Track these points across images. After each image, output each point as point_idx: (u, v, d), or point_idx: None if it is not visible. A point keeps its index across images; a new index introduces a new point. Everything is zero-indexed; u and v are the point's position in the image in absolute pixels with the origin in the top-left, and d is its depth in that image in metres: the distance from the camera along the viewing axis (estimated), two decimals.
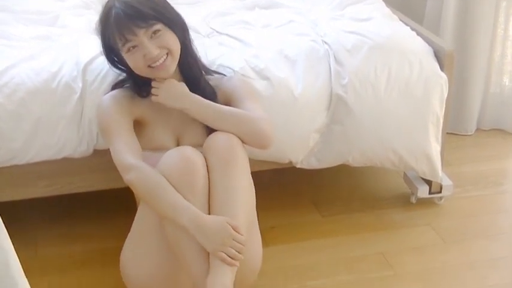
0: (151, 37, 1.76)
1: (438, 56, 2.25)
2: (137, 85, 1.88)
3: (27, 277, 1.28)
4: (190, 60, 1.88)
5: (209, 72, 1.98)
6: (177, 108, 1.83)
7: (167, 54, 1.79)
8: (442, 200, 2.42)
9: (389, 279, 2.04)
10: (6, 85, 1.95)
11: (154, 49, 1.75)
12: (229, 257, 1.61)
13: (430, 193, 2.38)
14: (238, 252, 1.63)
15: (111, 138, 1.80)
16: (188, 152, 1.73)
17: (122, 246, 1.84)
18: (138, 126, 1.87)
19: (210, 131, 1.82)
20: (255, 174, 1.82)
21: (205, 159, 1.74)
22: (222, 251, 1.61)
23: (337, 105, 2.14)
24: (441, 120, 2.26)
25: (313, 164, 2.21)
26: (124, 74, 1.92)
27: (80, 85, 1.98)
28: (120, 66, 1.89)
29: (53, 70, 1.99)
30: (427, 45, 2.27)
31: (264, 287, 1.97)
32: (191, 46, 1.89)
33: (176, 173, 1.69)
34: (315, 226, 2.29)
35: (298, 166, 2.20)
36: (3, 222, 1.26)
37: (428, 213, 2.37)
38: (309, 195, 2.46)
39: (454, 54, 2.26)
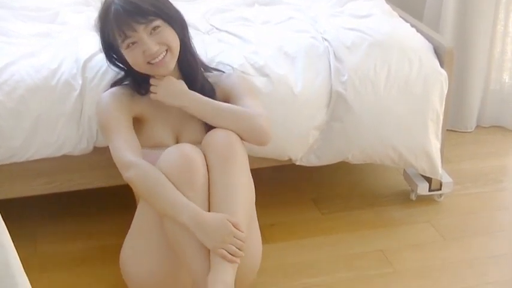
0: (150, 33, 1.76)
1: (438, 52, 2.24)
2: (136, 82, 1.88)
3: (26, 274, 1.27)
4: (189, 57, 1.88)
5: (208, 69, 1.98)
6: (176, 106, 1.83)
7: (166, 50, 1.79)
8: (442, 197, 2.42)
9: (389, 276, 2.04)
10: (6, 82, 1.94)
11: (153, 45, 1.75)
12: (230, 254, 1.61)
13: (429, 190, 2.38)
14: (239, 249, 1.63)
15: (110, 135, 1.80)
16: (187, 149, 1.73)
17: (122, 243, 1.84)
18: (138, 123, 1.87)
19: (209, 128, 1.82)
20: (254, 172, 1.82)
21: (205, 156, 1.74)
22: (223, 248, 1.61)
23: (336, 102, 2.14)
24: (441, 117, 2.26)
25: (313, 161, 2.21)
26: (122, 73, 1.92)
27: (80, 82, 1.97)
28: (118, 64, 1.89)
29: (53, 67, 1.99)
30: (426, 42, 2.27)
31: (264, 284, 1.97)
32: (190, 43, 1.89)
33: (176, 171, 1.69)
34: (314, 223, 2.29)
35: (297, 163, 2.20)
36: (3, 219, 1.26)
37: (428, 211, 2.37)
38: (308, 192, 2.46)
39: (454, 51, 2.26)
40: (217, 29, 2.33)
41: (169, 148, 1.75)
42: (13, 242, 1.26)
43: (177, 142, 1.86)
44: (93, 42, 1.99)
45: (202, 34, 2.27)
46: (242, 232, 1.65)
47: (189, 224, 1.64)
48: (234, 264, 1.63)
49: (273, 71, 2.08)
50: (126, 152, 1.75)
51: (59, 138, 1.98)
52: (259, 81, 2.06)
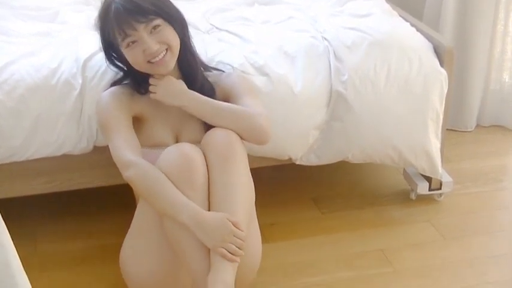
0: (151, 32, 1.76)
1: (438, 52, 2.24)
2: (136, 82, 1.88)
3: (26, 273, 1.27)
4: (189, 57, 1.88)
5: (208, 68, 1.98)
6: (175, 106, 1.83)
7: (166, 49, 1.78)
8: (442, 196, 2.42)
9: (388, 276, 2.04)
10: (6, 82, 1.94)
11: (153, 44, 1.75)
12: (230, 253, 1.62)
13: (429, 190, 2.38)
14: (239, 248, 1.63)
15: (110, 134, 1.80)
16: (187, 148, 1.73)
17: (122, 242, 1.84)
18: (137, 123, 1.87)
19: (208, 127, 1.82)
20: (254, 171, 1.82)
21: (204, 155, 1.74)
22: (223, 247, 1.61)
23: (336, 101, 2.13)
24: (441, 117, 2.26)
25: (313, 160, 2.21)
26: (121, 73, 1.92)
27: (80, 81, 1.97)
28: (118, 63, 1.89)
29: (53, 66, 1.99)
30: (426, 41, 2.27)
31: (264, 283, 1.97)
32: (190, 42, 1.89)
33: (175, 170, 1.69)
34: (314, 223, 2.29)
35: (297, 163, 2.20)
36: (3, 219, 1.26)
37: (428, 210, 2.37)
38: (308, 191, 2.46)
39: (454, 50, 2.26)
40: (217, 28, 2.33)
41: (169, 147, 1.75)
42: (13, 241, 1.26)
43: (177, 141, 1.86)
44: (93, 42, 1.98)
45: (202, 33, 2.27)
46: (242, 231, 1.65)
47: (188, 223, 1.64)
48: (234, 264, 1.63)
49: (273, 71, 2.08)
50: (126, 151, 1.75)
51: (59, 137, 1.98)
52: (259, 81, 2.06)
